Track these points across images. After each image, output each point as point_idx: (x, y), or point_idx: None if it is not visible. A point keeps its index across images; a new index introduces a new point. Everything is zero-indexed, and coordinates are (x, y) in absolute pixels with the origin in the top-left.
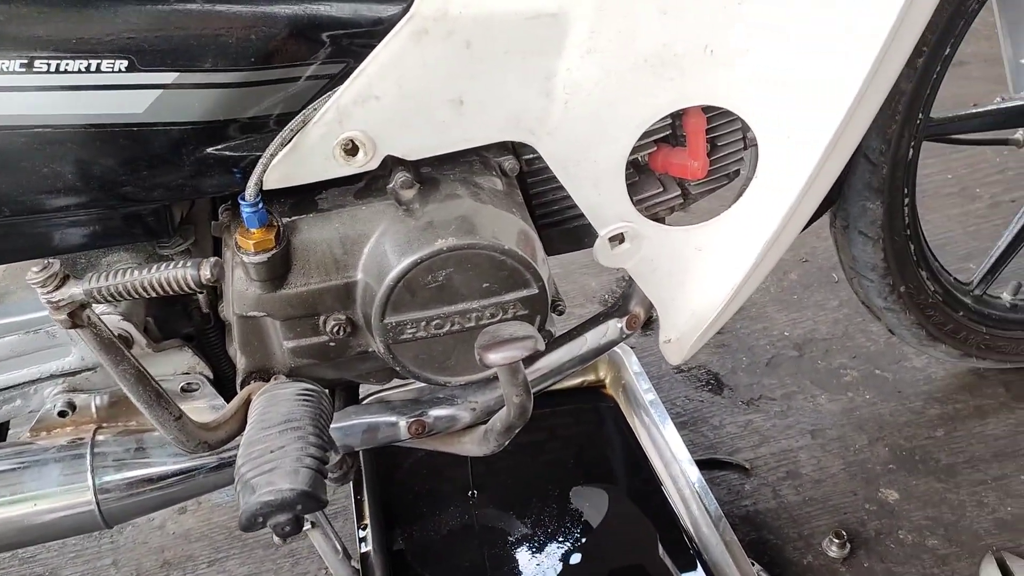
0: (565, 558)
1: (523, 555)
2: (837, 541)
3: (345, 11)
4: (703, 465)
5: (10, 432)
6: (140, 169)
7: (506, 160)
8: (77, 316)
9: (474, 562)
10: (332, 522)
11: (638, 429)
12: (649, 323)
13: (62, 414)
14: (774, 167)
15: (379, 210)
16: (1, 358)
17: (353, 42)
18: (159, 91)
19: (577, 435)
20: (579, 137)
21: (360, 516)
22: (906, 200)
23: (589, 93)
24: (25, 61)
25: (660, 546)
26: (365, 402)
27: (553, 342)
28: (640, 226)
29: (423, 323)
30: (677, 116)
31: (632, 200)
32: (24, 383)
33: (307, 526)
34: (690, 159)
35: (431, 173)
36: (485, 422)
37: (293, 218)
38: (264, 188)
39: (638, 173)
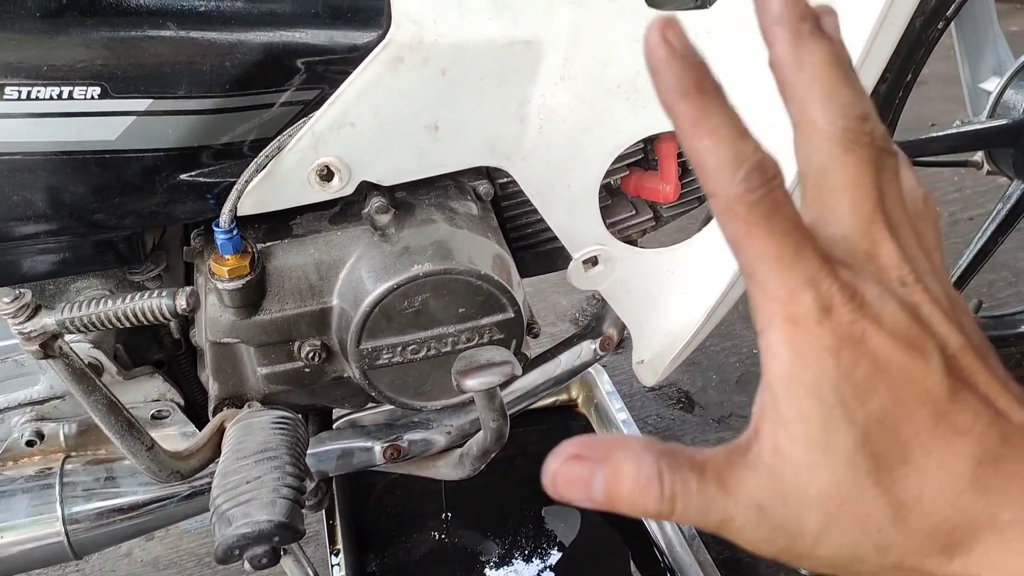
0: None
1: None
2: None
3: (320, 38)
4: None
5: None
6: (113, 196)
7: (481, 184)
8: (49, 346)
9: None
10: (304, 548)
11: None
12: (622, 343)
13: (30, 443)
14: None
15: (354, 235)
16: None
17: (328, 69)
18: (132, 118)
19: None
20: (553, 162)
21: (332, 541)
22: None
23: (563, 119)
24: None
25: (634, 565)
26: (338, 426)
27: (528, 364)
28: (613, 249)
29: (399, 348)
30: (649, 141)
31: (605, 223)
32: None
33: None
34: (662, 183)
35: (406, 198)
36: (460, 445)
37: (268, 244)
38: (238, 214)
39: (611, 196)
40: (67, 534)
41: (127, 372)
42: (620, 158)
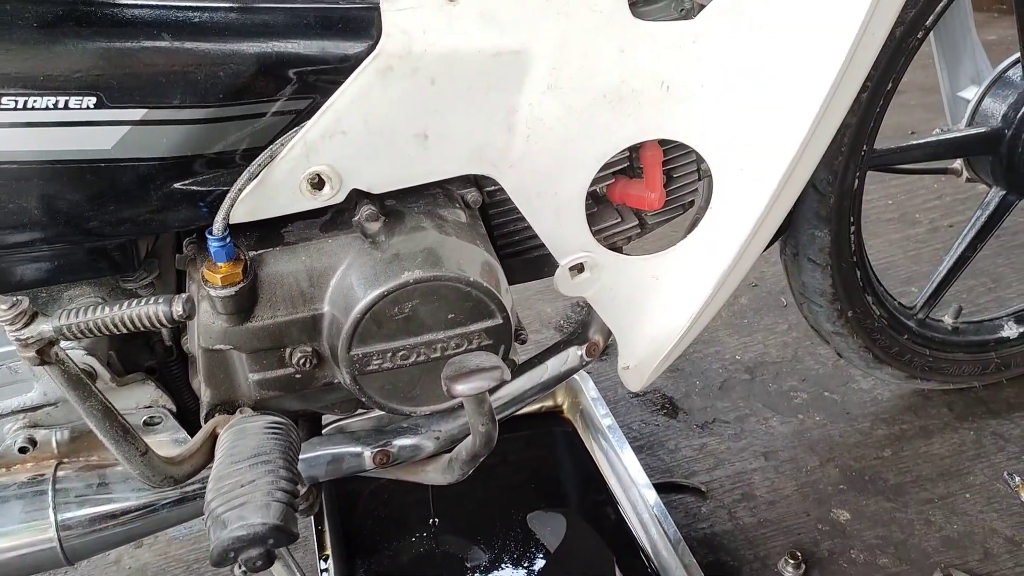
0: None
1: None
2: (792, 562)
3: (312, 48)
4: (660, 488)
5: None
6: (107, 204)
7: (469, 192)
8: (45, 353)
9: None
10: (293, 553)
11: (596, 454)
12: (607, 349)
13: (23, 450)
14: (727, 198)
15: (345, 243)
16: None
17: (320, 78)
18: (127, 127)
19: (536, 460)
20: (540, 170)
21: (321, 547)
22: (852, 228)
23: (550, 128)
24: None
25: (619, 570)
26: (327, 432)
27: (515, 370)
28: (599, 256)
29: (389, 354)
30: (634, 149)
31: (591, 231)
32: None
33: None
34: (647, 190)
35: (396, 206)
36: (449, 450)
37: (260, 251)
38: (231, 222)
39: (597, 204)
40: (60, 540)
41: (120, 379)
42: (606, 166)
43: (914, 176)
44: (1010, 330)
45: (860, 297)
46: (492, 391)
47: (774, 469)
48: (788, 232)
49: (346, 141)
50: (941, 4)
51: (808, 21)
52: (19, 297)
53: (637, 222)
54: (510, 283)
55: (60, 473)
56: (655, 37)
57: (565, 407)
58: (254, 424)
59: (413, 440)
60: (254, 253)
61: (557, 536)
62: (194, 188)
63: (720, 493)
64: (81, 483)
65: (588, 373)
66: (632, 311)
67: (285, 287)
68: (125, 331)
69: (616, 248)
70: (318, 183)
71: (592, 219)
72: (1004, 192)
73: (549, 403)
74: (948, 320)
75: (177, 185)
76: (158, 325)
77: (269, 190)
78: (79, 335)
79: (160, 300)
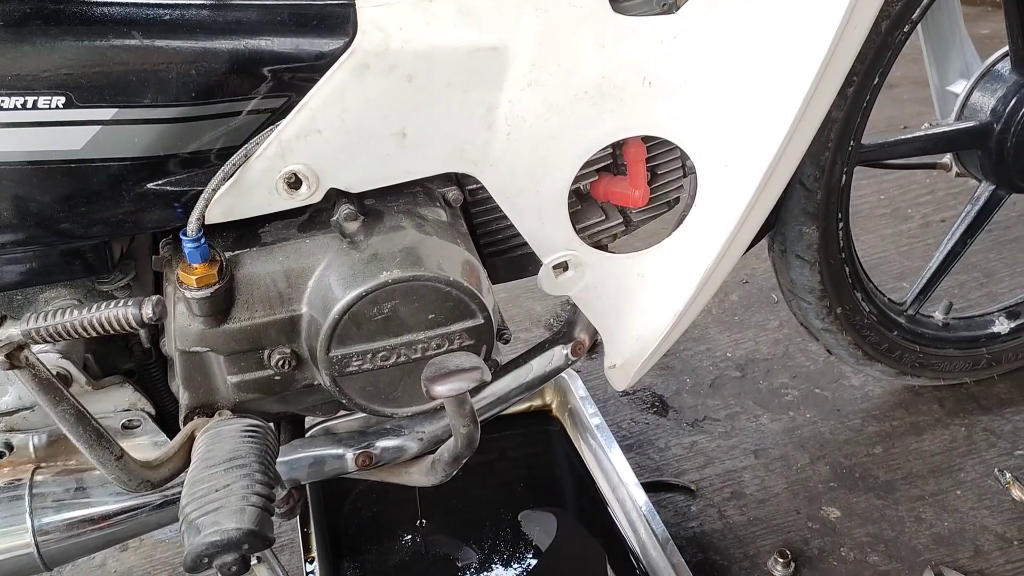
0: None
1: None
2: (782, 560)
3: (286, 46)
4: (650, 488)
5: None
6: (79, 206)
7: (450, 191)
8: (15, 357)
9: None
10: (278, 556)
11: (585, 453)
12: (594, 347)
13: None
14: (712, 194)
15: (323, 243)
16: None
17: (295, 76)
18: (98, 127)
19: (525, 460)
20: (522, 168)
21: (307, 548)
22: (840, 224)
23: (531, 125)
24: None
25: (609, 569)
26: (310, 434)
27: (499, 370)
28: (583, 254)
29: (369, 355)
30: (618, 146)
31: (575, 228)
32: None
33: (253, 562)
34: (631, 187)
35: (375, 205)
36: (433, 452)
37: (236, 252)
38: (206, 223)
39: (580, 202)
40: (37, 545)
41: (97, 382)
42: (589, 163)
43: (906, 171)
44: (1001, 326)
45: (849, 293)
46: (473, 392)
47: (764, 467)
48: (776, 228)
49: (322, 140)
50: None
51: (789, 15)
52: None
53: (621, 220)
54: (494, 282)
55: (37, 478)
56: (636, 32)
57: (554, 406)
58: (230, 427)
59: (396, 442)
60: (230, 254)
61: (548, 535)
62: (168, 188)
63: (710, 492)
64: (59, 488)
65: (577, 372)
66: (617, 309)
67: (262, 288)
68: (96, 334)
69: (601, 246)
70: (295, 182)
71: (576, 217)
72: (994, 187)
73: (538, 402)
74: (939, 316)
75: (150, 185)
76: (129, 328)
77: (244, 190)
78: (49, 338)
79: (130, 302)
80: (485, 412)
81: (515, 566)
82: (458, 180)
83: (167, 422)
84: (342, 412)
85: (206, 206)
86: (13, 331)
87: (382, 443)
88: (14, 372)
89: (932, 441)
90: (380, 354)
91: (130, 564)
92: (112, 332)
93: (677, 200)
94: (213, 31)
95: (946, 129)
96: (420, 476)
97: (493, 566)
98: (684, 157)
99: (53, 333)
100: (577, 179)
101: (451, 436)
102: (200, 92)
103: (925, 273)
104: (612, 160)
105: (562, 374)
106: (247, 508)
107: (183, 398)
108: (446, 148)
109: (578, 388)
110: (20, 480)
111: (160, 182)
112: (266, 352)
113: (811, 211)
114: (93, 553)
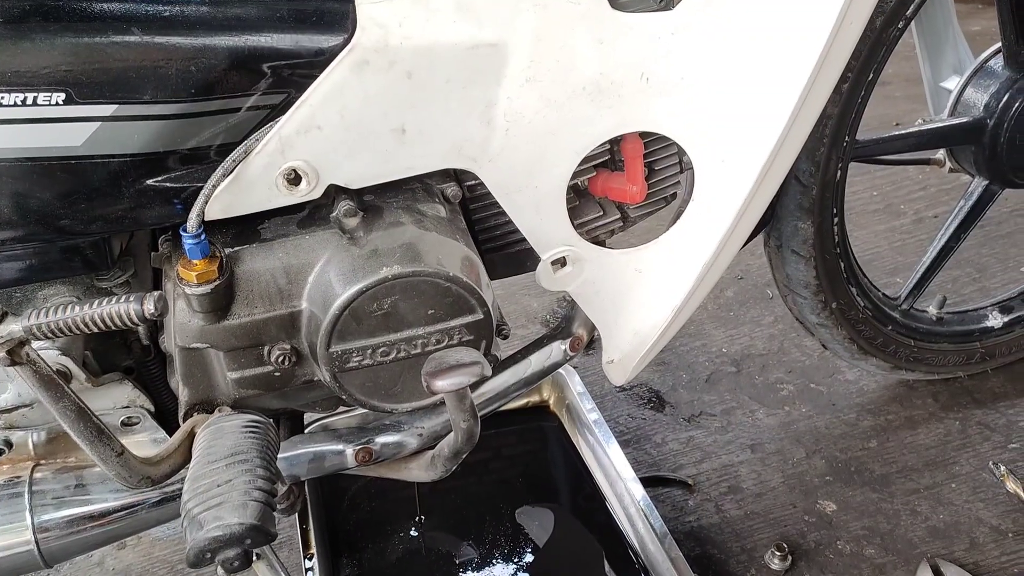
0: None
1: None
2: (779, 554)
3: (286, 42)
4: (647, 482)
5: None
6: (79, 202)
7: (449, 187)
8: (16, 354)
9: None
10: (278, 552)
11: (583, 448)
12: (592, 343)
13: None
14: (710, 190)
15: (323, 239)
16: None
17: (294, 72)
18: (98, 123)
19: (522, 455)
20: (520, 164)
21: (306, 545)
22: (835, 220)
23: (529, 121)
24: None
25: (607, 563)
26: (310, 430)
27: (498, 366)
28: (581, 250)
29: (369, 351)
30: (615, 142)
31: (573, 224)
32: None
33: (254, 558)
34: (628, 183)
35: (374, 201)
36: (432, 447)
37: (236, 248)
38: (206, 219)
39: (578, 198)
40: (37, 542)
41: (96, 379)
42: (587, 159)
43: (899, 167)
44: (995, 320)
45: (844, 288)
46: (473, 387)
47: (760, 461)
48: (772, 224)
49: (322, 136)
50: None
51: (785, 12)
52: None
53: (619, 215)
54: (492, 278)
55: (37, 475)
56: (634, 29)
57: (551, 402)
58: (231, 423)
59: (395, 437)
60: (230, 250)
61: (546, 531)
62: (167, 185)
63: (707, 486)
64: (58, 485)
65: (574, 367)
66: (615, 305)
67: (262, 284)
68: (96, 330)
69: (598, 242)
70: (294, 179)
71: (574, 213)
72: (987, 182)
73: (535, 398)
74: (932, 310)
75: (150, 182)
76: (130, 324)
77: (244, 186)
78: (49, 335)
79: (131, 298)
80: (484, 407)
81: (514, 562)
82: (457, 176)
83: (166, 419)
84: (342, 408)
85: (206, 202)
86: (14, 327)
87: (382, 439)
88: (15, 368)
89: (927, 435)
90: (380, 350)
91: (128, 562)
92: (114, 328)
93: (674, 196)
94: (213, 27)
95: (939, 125)
96: (420, 472)
97: (492, 562)
98: (681, 153)
99: (55, 329)
100: (575, 175)
101: (450, 431)
102: (200, 88)
103: (919, 268)
104: (610, 156)
105: (559, 370)
106: (249, 503)
107: (183, 394)
108: (445, 144)
109: (575, 384)
110: (20, 477)
111: (160, 178)
112: (266, 348)
113: (806, 207)
114: (93, 550)
